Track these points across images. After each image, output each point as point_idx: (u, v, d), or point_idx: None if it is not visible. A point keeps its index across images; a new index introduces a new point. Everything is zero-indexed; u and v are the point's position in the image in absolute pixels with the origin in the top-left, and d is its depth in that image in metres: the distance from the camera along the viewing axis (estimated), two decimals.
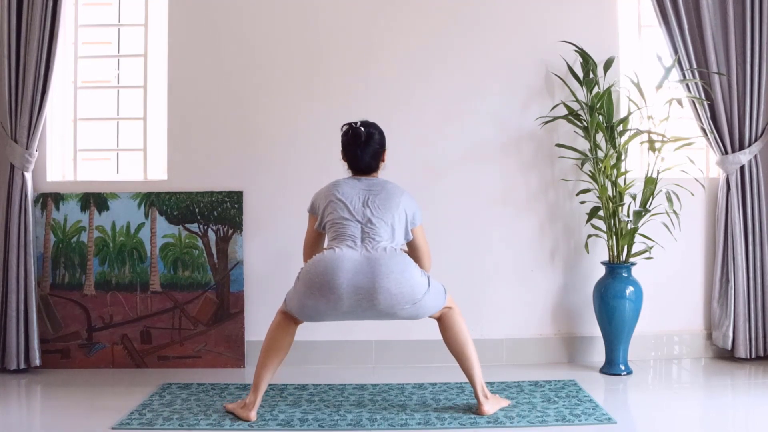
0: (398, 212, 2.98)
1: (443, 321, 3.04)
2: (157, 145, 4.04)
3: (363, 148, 3.04)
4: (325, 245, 3.07)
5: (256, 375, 3.02)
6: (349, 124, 3.09)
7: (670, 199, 3.63)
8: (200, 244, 3.88)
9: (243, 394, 3.32)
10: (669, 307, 3.96)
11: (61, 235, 3.88)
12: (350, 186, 3.03)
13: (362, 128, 3.05)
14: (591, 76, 3.77)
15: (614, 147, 3.70)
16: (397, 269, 2.84)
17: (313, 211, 3.11)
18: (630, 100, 3.80)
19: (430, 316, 3.04)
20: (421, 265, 3.07)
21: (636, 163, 4.03)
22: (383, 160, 3.13)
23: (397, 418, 3.02)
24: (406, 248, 3.11)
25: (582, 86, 3.81)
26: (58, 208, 3.88)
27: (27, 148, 3.73)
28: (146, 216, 3.89)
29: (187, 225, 3.89)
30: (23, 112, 3.70)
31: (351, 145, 3.06)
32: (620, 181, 3.74)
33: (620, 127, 3.75)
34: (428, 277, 2.95)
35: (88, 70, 4.22)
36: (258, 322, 3.77)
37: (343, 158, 3.11)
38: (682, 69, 3.80)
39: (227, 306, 3.87)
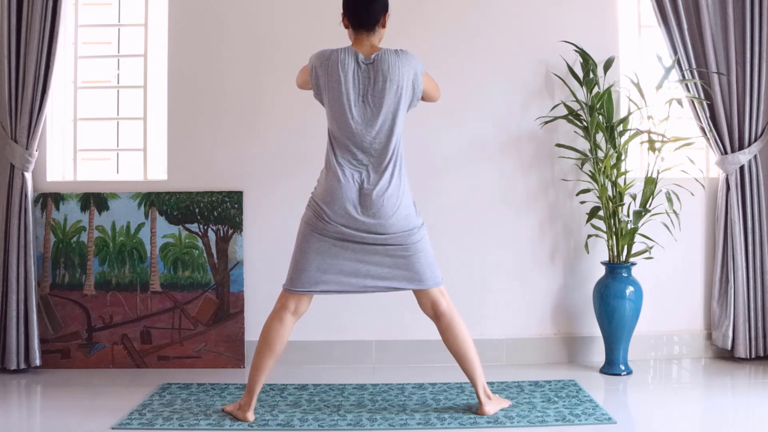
0: (398, 97, 2.94)
1: (442, 321, 3.03)
2: (157, 145, 4.04)
3: (368, 1, 2.98)
4: (327, 148, 3.03)
5: (250, 375, 3.01)
6: None
7: (670, 199, 3.63)
8: (200, 244, 3.88)
9: (242, 394, 3.31)
10: (669, 307, 3.96)
11: (61, 235, 3.88)
12: (351, 70, 2.93)
13: None
14: (591, 76, 3.77)
15: (614, 147, 3.70)
16: (396, 193, 2.93)
17: (311, 70, 3.02)
18: (630, 100, 3.80)
19: (424, 304, 3.02)
20: (433, 99, 3.18)
21: (636, 163, 4.03)
22: (384, 25, 3.04)
23: (397, 418, 3.02)
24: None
25: (582, 86, 3.81)
26: (58, 208, 3.88)
27: (27, 148, 3.73)
28: (146, 216, 3.89)
29: (187, 225, 3.89)
30: (23, 112, 3.70)
31: None
32: (620, 181, 3.74)
33: (620, 127, 3.76)
34: (422, 222, 3.01)
35: (88, 70, 4.22)
36: (258, 322, 3.74)
37: (343, 20, 3.03)
38: (681, 69, 3.80)
39: (227, 306, 3.87)
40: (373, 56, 2.95)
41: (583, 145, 3.83)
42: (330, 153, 2.99)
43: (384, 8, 3.03)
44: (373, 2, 2.99)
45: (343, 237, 2.92)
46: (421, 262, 2.97)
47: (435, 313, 3.04)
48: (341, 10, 3.04)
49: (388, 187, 2.92)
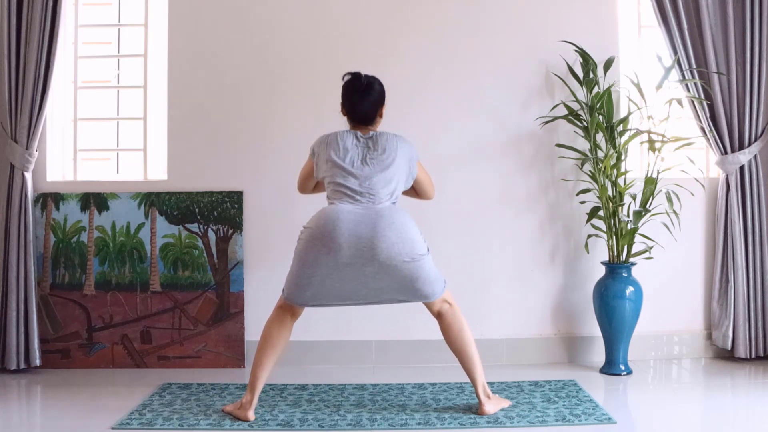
0: (396, 166, 2.99)
1: (444, 320, 3.04)
2: (157, 145, 4.04)
3: (363, 95, 3.05)
4: (326, 197, 3.06)
5: (251, 374, 3.02)
6: (350, 73, 3.10)
7: (670, 199, 3.63)
8: (200, 244, 3.88)
9: (243, 394, 3.32)
10: (669, 307, 3.96)
11: (61, 235, 3.88)
12: (350, 143, 3.01)
13: (363, 76, 3.07)
14: (591, 76, 3.77)
15: (614, 147, 3.70)
16: (398, 221, 2.88)
17: (312, 154, 3.12)
18: (630, 100, 3.80)
19: (430, 309, 3.03)
20: (426, 194, 3.26)
21: (636, 163, 4.03)
22: (381, 115, 3.12)
23: (397, 418, 3.02)
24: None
25: (582, 86, 3.81)
26: (58, 208, 3.88)
27: (27, 148, 3.73)
28: (146, 216, 3.89)
29: (187, 225, 3.89)
30: (23, 112, 3.70)
31: (351, 93, 3.06)
32: (620, 181, 3.74)
33: (620, 127, 3.76)
34: (428, 248, 2.96)
35: (88, 70, 4.22)
36: (258, 322, 3.75)
37: (342, 110, 3.11)
38: (681, 69, 3.80)
39: (227, 306, 3.87)
40: (371, 133, 3.05)
41: (583, 145, 3.83)
42: (328, 200, 3.03)
43: (380, 102, 3.11)
44: (368, 101, 3.05)
45: (344, 264, 2.87)
46: (424, 284, 2.95)
47: (438, 312, 3.06)
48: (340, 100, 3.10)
49: (390, 215, 2.89)
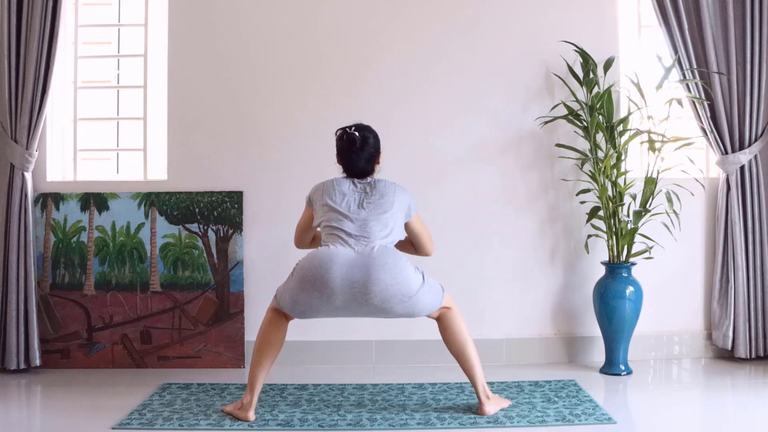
0: (393, 211, 2.99)
1: (442, 321, 3.04)
2: (157, 145, 4.04)
3: (358, 153, 3.04)
4: (322, 241, 3.06)
5: (250, 375, 3.01)
6: (344, 129, 3.08)
7: (670, 199, 3.63)
8: (200, 244, 3.88)
9: (243, 394, 3.31)
10: (669, 307, 3.96)
11: (61, 235, 3.88)
12: (347, 188, 3.03)
13: (357, 133, 3.04)
14: (591, 76, 3.77)
15: (614, 147, 3.70)
16: (390, 261, 2.84)
17: (309, 203, 3.13)
18: (630, 100, 3.80)
19: (429, 316, 3.03)
20: (424, 249, 3.19)
21: (636, 163, 4.03)
22: (378, 163, 3.14)
23: (397, 418, 3.02)
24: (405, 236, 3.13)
25: (582, 86, 3.81)
26: (58, 208, 3.88)
27: (27, 148, 3.73)
28: (146, 216, 3.89)
29: (187, 225, 3.89)
30: (23, 112, 3.70)
31: (346, 151, 3.05)
32: (620, 181, 3.74)
33: (620, 127, 3.76)
34: (423, 274, 2.93)
35: (88, 70, 4.22)
36: (258, 322, 3.73)
37: (338, 162, 3.12)
38: (682, 69, 3.80)
39: (227, 306, 3.87)
40: (369, 180, 3.06)
41: (583, 145, 3.83)
42: (321, 244, 3.00)
43: (376, 155, 3.10)
44: (363, 157, 3.04)
45: (337, 307, 2.86)
46: (422, 310, 2.95)
47: (437, 315, 3.05)
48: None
49: (382, 255, 2.84)
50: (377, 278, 2.79)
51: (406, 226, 3.12)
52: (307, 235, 3.22)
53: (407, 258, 2.92)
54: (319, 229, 3.07)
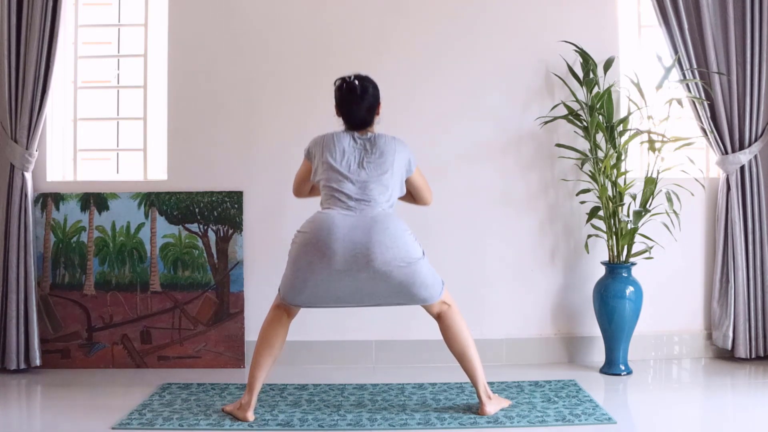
0: (393, 171, 2.97)
1: (444, 321, 3.04)
2: (157, 145, 4.04)
3: (358, 102, 3.00)
4: (320, 202, 3.03)
5: (250, 375, 3.01)
6: (343, 78, 3.04)
7: (670, 199, 3.63)
8: (200, 244, 3.88)
9: (243, 393, 3.32)
10: (669, 307, 3.96)
11: (61, 235, 3.88)
12: (347, 144, 2.98)
13: (356, 81, 3.00)
14: (591, 76, 3.77)
15: (614, 147, 3.70)
16: (391, 226, 2.86)
17: (308, 156, 3.09)
18: (630, 100, 3.80)
19: (429, 312, 3.03)
20: (423, 199, 3.21)
21: (636, 163, 4.03)
22: (378, 114, 3.09)
23: (397, 418, 3.02)
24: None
25: (582, 86, 3.81)
26: (58, 208, 3.88)
27: (27, 148, 3.73)
28: (146, 216, 3.89)
29: (187, 225, 3.89)
30: (23, 112, 3.70)
31: (346, 101, 3.02)
32: (620, 181, 3.74)
33: (620, 127, 3.76)
34: (423, 251, 2.94)
35: (88, 70, 4.22)
36: (258, 322, 3.73)
37: (337, 114, 3.07)
38: (682, 69, 3.80)
39: (227, 306, 3.87)
40: (369, 135, 3.02)
41: (583, 145, 3.83)
42: (322, 205, 2.99)
43: (376, 105, 3.07)
44: (364, 106, 3.01)
45: (338, 271, 2.85)
46: (420, 288, 2.93)
47: (437, 313, 3.05)
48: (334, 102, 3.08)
49: (384, 220, 2.87)
50: (378, 240, 2.81)
51: (407, 182, 3.10)
52: (306, 187, 3.18)
53: (409, 229, 2.93)
54: (319, 186, 3.04)
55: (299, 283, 2.90)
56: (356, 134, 3.03)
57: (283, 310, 3.03)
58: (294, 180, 3.24)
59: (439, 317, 3.04)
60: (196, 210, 3.89)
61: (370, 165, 2.96)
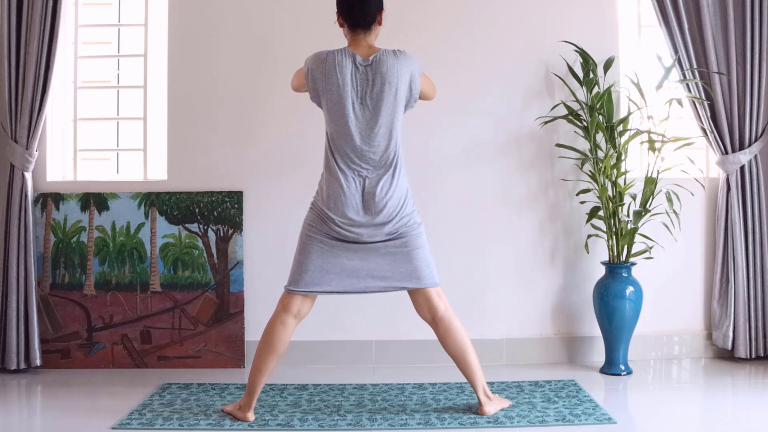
0: (396, 102, 2.94)
1: (440, 327, 3.01)
2: (157, 145, 4.04)
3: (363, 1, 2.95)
4: (325, 149, 3.01)
5: (250, 378, 3.00)
6: None
7: (670, 199, 3.63)
8: (200, 244, 3.88)
9: (243, 394, 3.32)
10: (669, 307, 3.96)
11: (61, 235, 3.88)
12: (349, 72, 2.92)
13: None
14: (591, 76, 3.77)
15: (614, 147, 3.70)
16: (398, 192, 2.95)
17: (307, 75, 3.00)
18: (630, 100, 3.80)
19: (424, 306, 3.01)
20: (429, 98, 3.19)
21: (636, 163, 4.03)
22: (380, 23, 3.02)
23: (397, 418, 3.02)
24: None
25: (582, 86, 3.81)
26: (58, 208, 3.88)
27: (27, 148, 3.73)
28: (146, 216, 3.89)
29: (187, 225, 3.89)
30: (23, 112, 3.70)
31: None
32: (620, 181, 3.74)
33: (620, 127, 3.76)
34: (422, 224, 3.03)
35: (88, 70, 4.22)
36: (258, 322, 3.75)
37: (338, 17, 3.02)
38: (682, 69, 3.80)
39: (227, 306, 3.87)
40: (371, 58, 2.94)
41: (583, 145, 3.83)
42: (330, 157, 2.97)
43: (379, 5, 3.00)
44: (368, 3, 2.97)
45: (346, 238, 2.93)
46: (419, 258, 2.96)
47: (433, 318, 3.02)
48: (335, 9, 3.02)
49: (389, 188, 2.93)
50: (381, 187, 2.91)
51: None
52: (302, 90, 3.12)
53: (412, 197, 3.01)
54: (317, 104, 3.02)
55: (309, 256, 2.95)
56: (358, 58, 2.93)
57: (289, 310, 2.98)
58: (291, 79, 3.17)
59: (435, 322, 3.02)
60: (196, 210, 3.89)
61: (373, 101, 2.91)
